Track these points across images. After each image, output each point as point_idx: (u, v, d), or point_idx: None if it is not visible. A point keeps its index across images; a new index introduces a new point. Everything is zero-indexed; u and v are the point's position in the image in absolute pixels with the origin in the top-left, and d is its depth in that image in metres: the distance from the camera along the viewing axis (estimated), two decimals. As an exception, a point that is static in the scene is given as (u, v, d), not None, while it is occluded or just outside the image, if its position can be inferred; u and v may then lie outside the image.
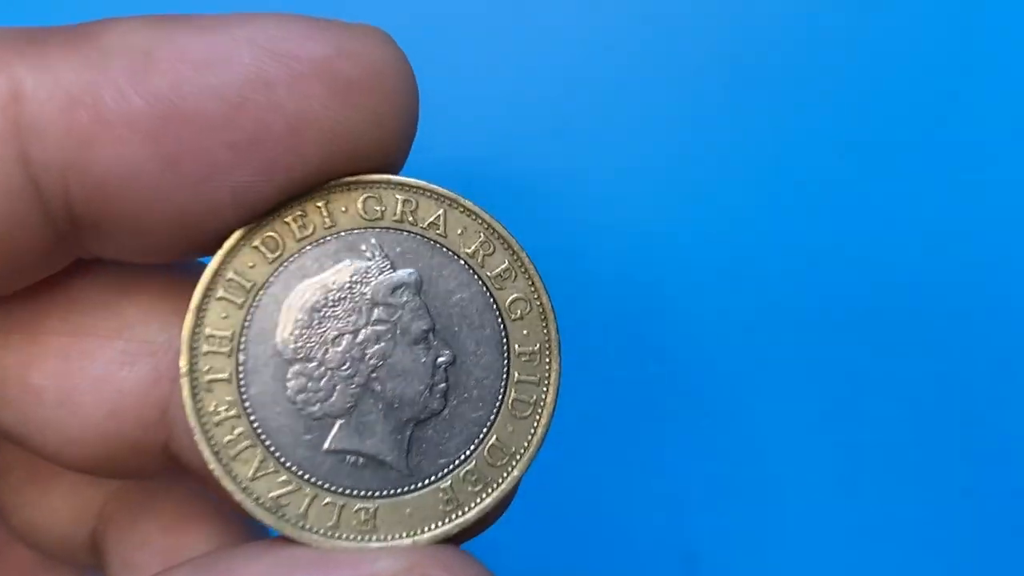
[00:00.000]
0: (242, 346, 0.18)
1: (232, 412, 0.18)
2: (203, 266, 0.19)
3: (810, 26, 0.37)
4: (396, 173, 0.19)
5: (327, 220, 0.19)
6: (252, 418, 0.18)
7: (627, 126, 0.36)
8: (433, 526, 0.18)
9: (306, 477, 0.18)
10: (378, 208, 0.19)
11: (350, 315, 0.19)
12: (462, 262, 0.19)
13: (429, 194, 0.19)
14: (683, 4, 0.36)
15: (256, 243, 0.19)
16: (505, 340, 0.19)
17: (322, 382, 0.18)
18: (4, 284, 0.19)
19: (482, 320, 0.19)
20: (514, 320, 0.19)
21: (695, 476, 0.36)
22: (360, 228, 0.19)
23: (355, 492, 0.18)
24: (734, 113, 0.36)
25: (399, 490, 0.18)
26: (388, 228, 0.19)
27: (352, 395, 0.19)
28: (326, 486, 0.18)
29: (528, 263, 0.20)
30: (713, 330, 0.36)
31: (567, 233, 0.36)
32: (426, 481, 0.19)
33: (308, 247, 0.19)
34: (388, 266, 0.19)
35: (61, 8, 0.21)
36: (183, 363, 0.18)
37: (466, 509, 0.19)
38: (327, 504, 0.18)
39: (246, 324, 0.18)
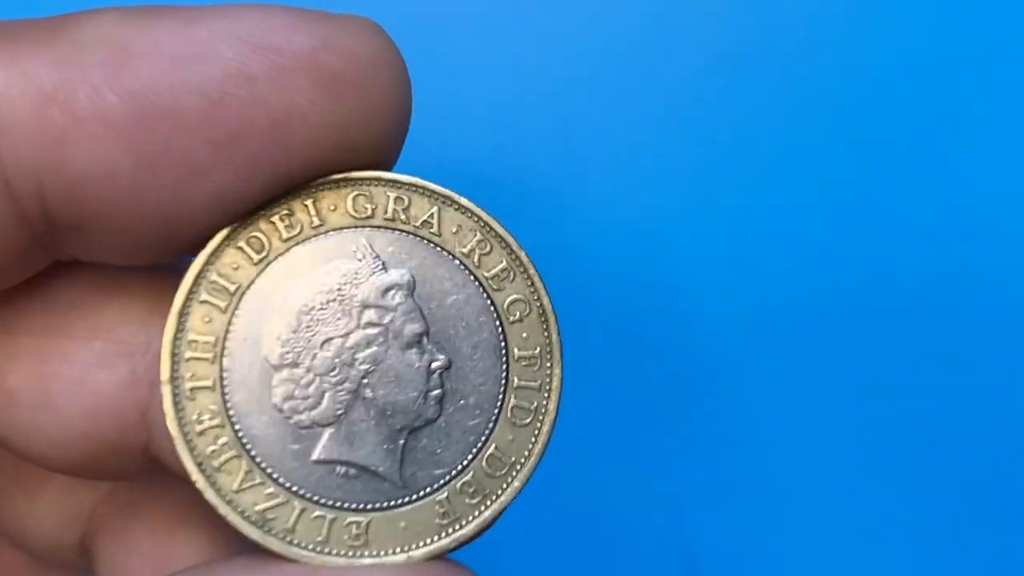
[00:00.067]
0: (226, 352, 0.18)
1: (216, 421, 0.17)
2: (186, 264, 0.18)
3: (811, 26, 0.36)
4: (388, 170, 0.19)
5: (315, 219, 0.18)
6: (237, 427, 0.17)
7: (630, 122, 0.36)
8: (429, 541, 0.18)
9: (294, 489, 0.17)
10: (368, 206, 0.18)
11: (339, 318, 0.18)
12: (457, 262, 0.19)
13: (422, 191, 0.19)
14: (683, 4, 0.36)
15: (241, 243, 0.18)
16: (503, 343, 0.18)
17: (310, 389, 0.18)
18: None
19: (479, 323, 0.18)
20: (513, 322, 0.19)
21: (695, 476, 0.36)
22: (350, 227, 0.18)
23: (346, 505, 0.18)
24: (735, 113, 0.36)
25: (392, 503, 0.18)
26: (379, 227, 0.18)
27: (342, 402, 0.18)
28: (315, 498, 0.17)
29: (527, 263, 0.19)
30: (715, 330, 0.36)
31: (567, 232, 0.35)
32: (421, 493, 0.18)
33: (295, 247, 0.18)
34: (379, 266, 0.18)
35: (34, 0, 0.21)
36: (164, 370, 0.17)
37: (463, 523, 0.18)
38: (316, 518, 0.17)
39: (230, 329, 0.18)
